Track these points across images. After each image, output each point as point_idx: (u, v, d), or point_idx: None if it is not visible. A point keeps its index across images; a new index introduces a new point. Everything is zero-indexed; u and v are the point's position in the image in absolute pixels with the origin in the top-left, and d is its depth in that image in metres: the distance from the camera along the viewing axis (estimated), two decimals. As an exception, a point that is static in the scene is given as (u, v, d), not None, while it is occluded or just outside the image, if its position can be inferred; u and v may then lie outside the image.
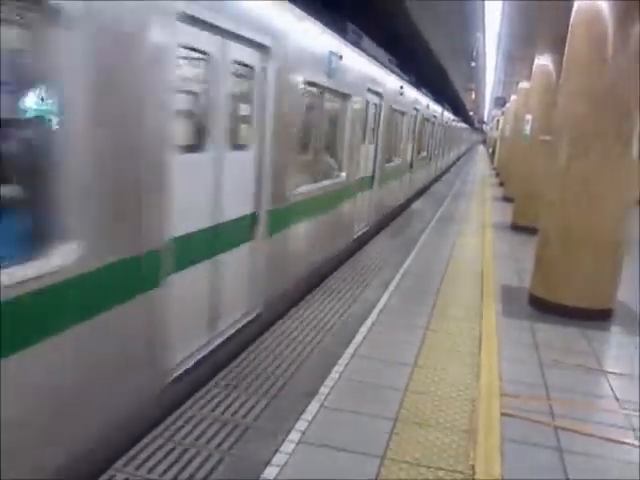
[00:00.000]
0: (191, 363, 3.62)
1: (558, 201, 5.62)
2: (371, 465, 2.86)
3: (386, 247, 8.20)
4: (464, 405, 3.56)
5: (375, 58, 8.60)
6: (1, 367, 2.14)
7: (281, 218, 4.98)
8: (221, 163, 3.85)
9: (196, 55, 3.54)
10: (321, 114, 6.42)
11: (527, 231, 9.17)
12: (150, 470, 2.69)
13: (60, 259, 2.38)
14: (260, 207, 4.53)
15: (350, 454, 2.95)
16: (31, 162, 2.43)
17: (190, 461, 2.78)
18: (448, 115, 23.80)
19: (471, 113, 51.17)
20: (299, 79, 5.14)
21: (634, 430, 3.45)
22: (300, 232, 5.67)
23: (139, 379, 3.10)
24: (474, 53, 15.88)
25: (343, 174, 7.26)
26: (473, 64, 17.63)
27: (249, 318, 4.52)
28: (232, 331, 4.24)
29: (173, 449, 2.87)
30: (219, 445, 2.93)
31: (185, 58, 3.48)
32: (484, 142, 69.31)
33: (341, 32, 6.65)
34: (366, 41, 8.49)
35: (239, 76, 4.16)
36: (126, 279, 2.86)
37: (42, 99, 2.49)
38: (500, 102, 23.99)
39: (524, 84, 14.61)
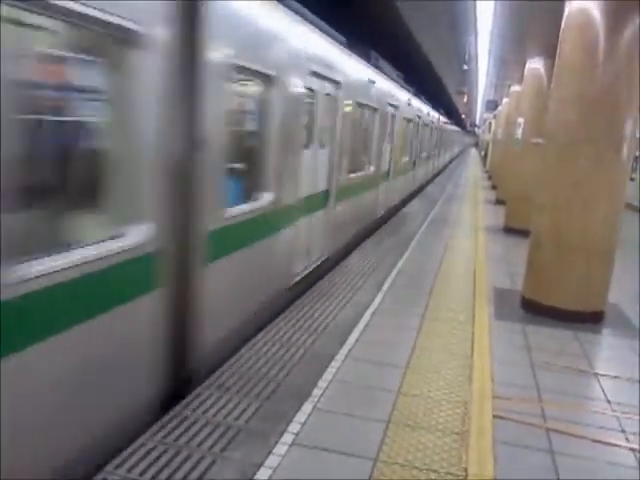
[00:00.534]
0: (299, 277, 5.90)
1: (550, 205, 5.65)
2: (364, 467, 2.86)
3: (383, 246, 8.21)
4: (456, 407, 3.57)
5: (389, 76, 10.74)
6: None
7: (340, 194, 7.30)
8: (316, 155, 6.24)
9: (308, 92, 5.67)
10: (362, 124, 8.75)
11: (519, 233, 9.19)
12: (142, 473, 2.67)
13: (265, 200, 4.68)
14: (331, 185, 6.89)
15: (343, 456, 2.95)
16: (249, 150, 4.64)
17: (182, 463, 2.76)
18: (443, 119, 25.81)
19: (463, 116, 51.43)
20: (353, 101, 7.48)
21: (624, 432, 3.47)
22: (349, 205, 8.01)
23: (285, 277, 5.48)
24: (466, 56, 15.94)
25: (372, 167, 9.72)
26: (465, 67, 17.69)
27: (323, 259, 6.83)
28: (314, 266, 6.45)
29: (165, 451, 2.85)
30: (211, 447, 2.92)
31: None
32: (476, 145, 69.68)
33: (366, 57, 8.65)
34: (382, 62, 10.43)
35: (325, 100, 6.42)
36: (290, 211, 5.36)
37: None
38: (492, 105, 24.08)
39: (516, 87, 14.68)
